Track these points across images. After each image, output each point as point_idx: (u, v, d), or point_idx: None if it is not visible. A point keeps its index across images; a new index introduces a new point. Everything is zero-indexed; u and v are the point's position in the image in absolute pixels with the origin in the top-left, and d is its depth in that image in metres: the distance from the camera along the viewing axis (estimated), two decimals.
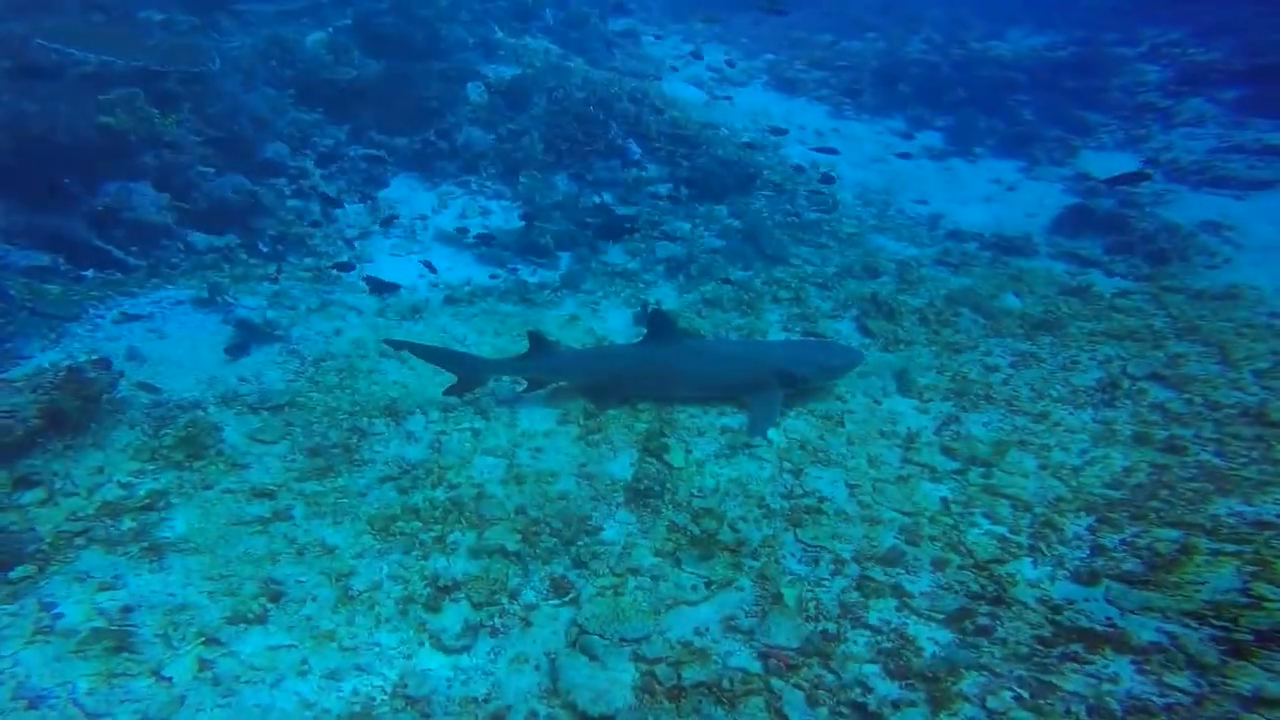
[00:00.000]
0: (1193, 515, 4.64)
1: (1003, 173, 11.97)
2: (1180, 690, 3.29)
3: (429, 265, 7.85)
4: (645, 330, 6.02)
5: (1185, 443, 5.62)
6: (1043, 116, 13.37)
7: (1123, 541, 4.40)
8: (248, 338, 6.28)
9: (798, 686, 3.49)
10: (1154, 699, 3.26)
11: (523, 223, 8.98)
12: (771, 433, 5.58)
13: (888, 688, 3.44)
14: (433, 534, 4.56)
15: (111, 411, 5.27)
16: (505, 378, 6.05)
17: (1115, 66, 14.76)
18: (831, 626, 3.86)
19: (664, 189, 10.02)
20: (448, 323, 7.08)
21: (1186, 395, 6.39)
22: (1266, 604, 3.73)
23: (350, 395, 5.84)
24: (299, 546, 4.42)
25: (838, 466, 5.27)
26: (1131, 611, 3.82)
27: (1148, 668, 3.43)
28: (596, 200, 9.60)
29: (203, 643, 3.77)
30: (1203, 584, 3.94)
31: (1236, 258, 9.55)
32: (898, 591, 4.07)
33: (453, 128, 10.51)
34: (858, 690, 3.41)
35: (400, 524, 4.61)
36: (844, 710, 3.33)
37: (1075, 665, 3.45)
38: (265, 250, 7.94)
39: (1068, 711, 3.21)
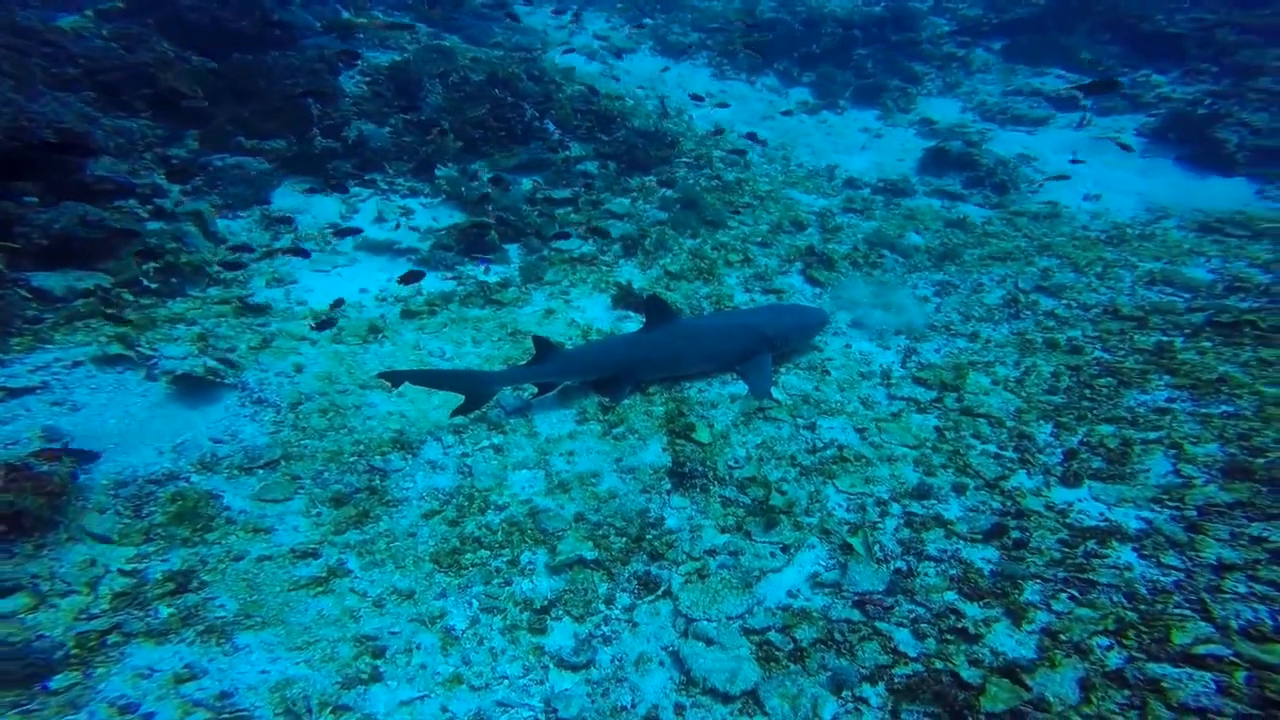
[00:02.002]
0: (1115, 410, 5.34)
1: (867, 122, 12.61)
2: (1175, 568, 3.84)
3: (413, 277, 6.59)
4: (644, 316, 5.87)
5: (1080, 343, 6.42)
6: (881, 68, 14.09)
7: (1081, 442, 4.99)
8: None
9: (900, 624, 3.71)
10: (1161, 578, 3.79)
11: (451, 220, 8.33)
12: (774, 391, 5.74)
13: (972, 609, 3.75)
14: (504, 559, 4.29)
15: (71, 500, 4.34)
16: (506, 388, 5.69)
17: (916, 21, 15.69)
18: (901, 564, 4.11)
19: (593, 166, 9.63)
20: (417, 338, 6.45)
21: (1065, 301, 7.26)
22: (1194, 484, 4.39)
23: (347, 435, 5.21)
24: (373, 599, 4.01)
25: (841, 414, 5.51)
26: (1114, 505, 4.38)
27: (1145, 552, 3.96)
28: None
29: (331, 712, 3.39)
30: (1147, 471, 4.58)
31: (1048, 183, 10.76)
32: (940, 521, 4.38)
33: (340, 123, 9.38)
34: (952, 618, 3.68)
35: (467, 555, 4.30)
36: (950, 637, 3.59)
37: (1097, 560, 3.92)
38: (155, 286, 6.48)
39: (1112, 602, 3.66)
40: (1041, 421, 5.26)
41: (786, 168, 10.64)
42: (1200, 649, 3.19)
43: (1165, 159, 11.59)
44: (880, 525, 4.41)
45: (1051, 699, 3.06)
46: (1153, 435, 4.87)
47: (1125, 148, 10.61)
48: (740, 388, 5.82)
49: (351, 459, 4.96)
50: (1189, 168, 11.27)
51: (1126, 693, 3.05)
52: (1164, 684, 3.04)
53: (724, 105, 10.86)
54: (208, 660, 3.60)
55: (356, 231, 7.78)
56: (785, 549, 4.27)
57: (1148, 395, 5.39)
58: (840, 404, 5.64)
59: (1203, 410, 5.10)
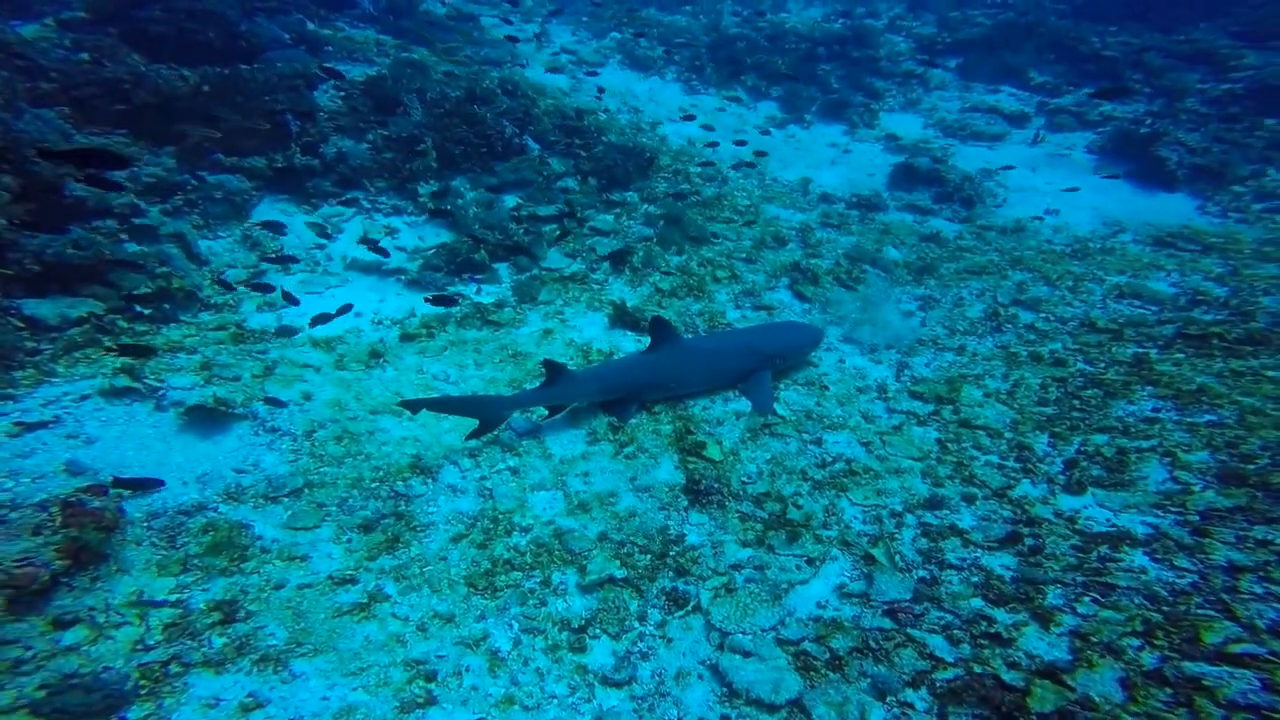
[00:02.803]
0: (1106, 420, 5.68)
1: (834, 137, 13.02)
2: (1187, 570, 4.10)
3: (445, 301, 6.57)
4: (649, 337, 5.96)
5: (1062, 355, 6.79)
6: (844, 84, 14.59)
7: (1078, 451, 5.29)
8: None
9: (932, 631, 3.88)
10: (1177, 580, 4.05)
11: (438, 239, 8.28)
12: (777, 408, 5.89)
13: (1000, 614, 3.94)
14: (536, 579, 4.34)
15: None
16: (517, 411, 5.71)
17: (875, 38, 16.34)
18: (924, 573, 4.30)
19: (573, 183, 9.69)
20: (419, 362, 6.41)
21: (1042, 314, 7.66)
22: (1192, 490, 4.70)
23: (365, 461, 5.17)
24: (416, 623, 4.02)
25: (844, 429, 5.70)
26: (1119, 511, 4.65)
27: (1158, 555, 4.23)
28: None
29: None
30: (1145, 478, 4.89)
31: (1009, 198, 11.34)
32: (955, 530, 4.59)
33: (319, 140, 9.25)
34: (983, 623, 3.87)
35: (499, 577, 4.33)
36: (983, 641, 3.77)
37: (1113, 564, 4.17)
38: (149, 313, 6.32)
39: (1134, 604, 3.88)
40: (1037, 432, 5.55)
41: (762, 182, 10.91)
42: (1235, 648, 3.42)
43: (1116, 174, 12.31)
44: (898, 536, 4.59)
45: (1097, 698, 3.25)
46: (1146, 444, 5.19)
47: (1112, 176, 11.12)
48: (743, 404, 5.96)
49: (373, 485, 4.94)
50: (1137, 184, 12.01)
51: (1169, 691, 3.26)
52: (1205, 682, 3.25)
53: (709, 128, 11.09)
54: (269, 689, 3.61)
55: (343, 252, 7.67)
56: (810, 561, 4.41)
57: (1134, 405, 5.74)
58: (842, 418, 5.84)
59: (1188, 419, 5.46)
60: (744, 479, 5.16)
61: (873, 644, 3.83)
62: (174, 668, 3.62)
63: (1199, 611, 3.69)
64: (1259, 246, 9.74)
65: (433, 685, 3.67)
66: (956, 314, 7.58)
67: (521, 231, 8.66)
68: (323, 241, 8.28)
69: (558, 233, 8.65)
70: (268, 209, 8.46)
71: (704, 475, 5.09)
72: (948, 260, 8.87)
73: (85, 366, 5.59)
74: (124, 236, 6.64)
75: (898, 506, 4.85)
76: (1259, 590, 3.78)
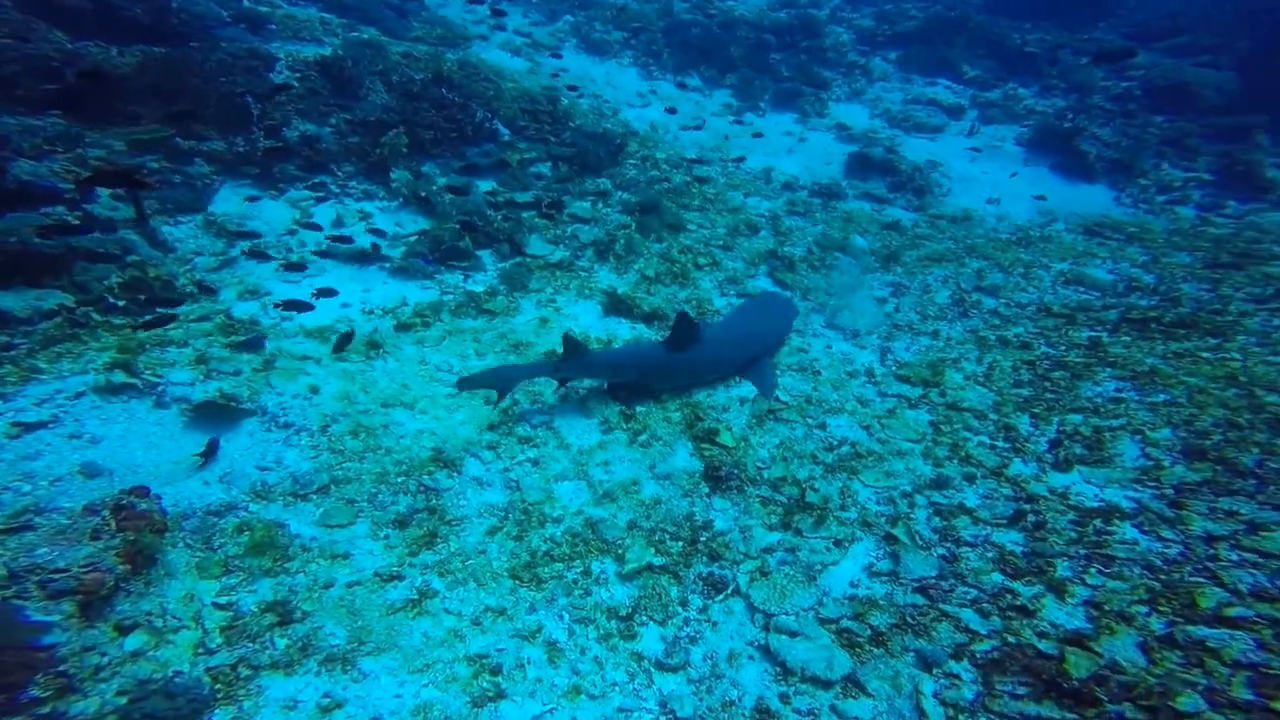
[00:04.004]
0: (1076, 400, 6.14)
1: (789, 126, 13.26)
2: (1172, 540, 4.51)
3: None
4: (669, 330, 5.89)
5: (1026, 339, 7.27)
6: (794, 73, 14.84)
7: (1059, 431, 5.70)
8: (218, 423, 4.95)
9: (962, 605, 4.14)
10: (1166, 551, 4.44)
11: (415, 225, 7.98)
12: (779, 393, 6.06)
13: (1020, 587, 4.24)
14: (577, 569, 4.35)
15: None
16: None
17: (820, 28, 16.67)
18: (943, 550, 4.57)
19: (545, 168, 9.48)
20: (420, 352, 6.20)
21: (1002, 300, 8.16)
22: (1164, 466, 5.17)
23: (386, 456, 5.01)
24: (469, 617, 3.99)
25: (843, 413, 5.94)
26: (1104, 486, 5.06)
27: (1145, 528, 4.64)
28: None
29: None
30: (1121, 455, 5.34)
31: (954, 188, 11.93)
32: (964, 509, 4.89)
33: (281, 123, 8.68)
34: (1007, 596, 4.15)
35: (541, 569, 4.32)
36: (1011, 614, 4.05)
37: (1108, 536, 4.55)
38: (122, 304, 5.92)
39: (1135, 573, 4.24)
40: (1019, 413, 5.94)
41: (726, 169, 11.01)
42: (1230, 611, 3.83)
43: (1043, 166, 13.15)
44: (913, 516, 4.85)
45: (1124, 662, 3.57)
46: (1116, 423, 5.66)
47: (1041, 195, 11.69)
48: (744, 389, 6.09)
49: (399, 480, 4.82)
50: (1062, 175, 12.87)
51: (1180, 653, 3.62)
52: (1209, 644, 3.63)
53: (697, 128, 11.04)
54: (342, 689, 3.54)
55: (321, 238, 7.28)
56: (838, 543, 4.60)
57: (1099, 387, 6.23)
58: (840, 403, 6.07)
59: (1149, 399, 5.98)
60: (759, 464, 5.30)
61: (909, 619, 4.05)
62: (243, 670, 3.51)
63: (1191, 579, 4.09)
64: (1168, 236, 10.66)
65: (499, 679, 3.66)
66: (926, 300, 7.97)
67: (500, 218, 8.44)
68: (295, 228, 7.82)
69: (539, 218, 8.48)
70: (230, 195, 7.89)
71: (722, 461, 5.19)
72: (909, 248, 9.28)
73: (70, 362, 5.16)
74: (77, 223, 6.04)
75: (907, 487, 5.11)
76: (1234, 557, 4.23)
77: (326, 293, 6.31)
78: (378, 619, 3.89)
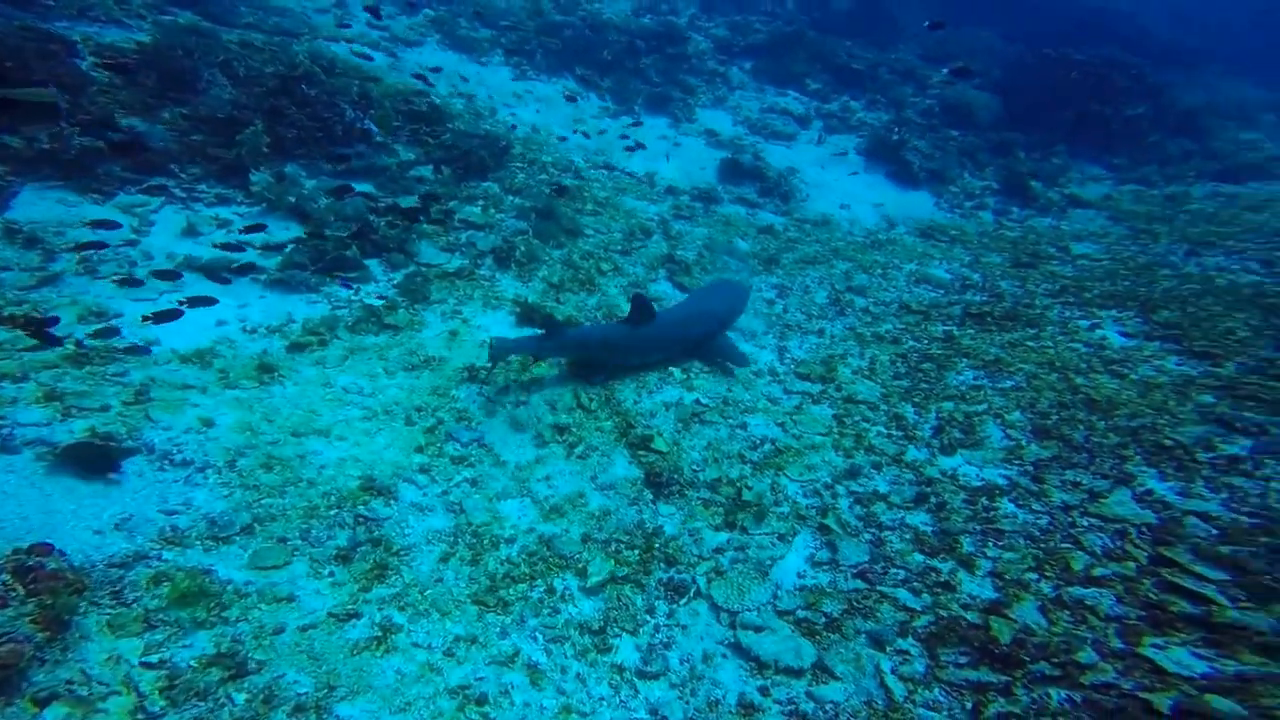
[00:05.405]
0: (946, 389, 6.98)
1: (662, 130, 13.59)
2: (1041, 511, 5.20)
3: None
4: (629, 310, 6.27)
5: (895, 334, 8.14)
6: (663, 79, 15.25)
7: (938, 418, 6.46)
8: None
9: (896, 585, 4.59)
10: (1039, 521, 5.13)
11: (287, 233, 7.21)
12: (689, 396, 6.29)
13: (941, 564, 4.76)
14: (540, 588, 4.28)
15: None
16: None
17: (683, 36, 17.28)
18: (869, 536, 5.02)
19: (426, 171, 8.92)
20: (324, 374, 5.64)
21: (870, 299, 9.04)
22: (1023, 445, 6.04)
23: (312, 488, 4.55)
24: (441, 649, 3.80)
25: (757, 411, 6.29)
26: (983, 467, 5.81)
27: (1020, 502, 5.38)
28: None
29: None
30: (989, 437, 6.17)
31: (810, 193, 12.97)
32: (878, 496, 5.40)
33: (102, 118, 7.41)
34: (931, 576, 4.66)
35: (504, 591, 4.20)
36: (938, 590, 4.55)
37: (994, 512, 5.24)
38: None
39: (1023, 544, 4.92)
40: (903, 402, 6.64)
41: (611, 174, 11.10)
42: (1096, 571, 4.58)
43: (879, 174, 14.66)
44: (837, 505, 5.27)
45: (1033, 625, 4.17)
46: (979, 408, 6.52)
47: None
48: (669, 394, 6.26)
49: (331, 513, 4.44)
50: (895, 182, 14.45)
51: (1068, 613, 4.29)
52: (1087, 602, 4.34)
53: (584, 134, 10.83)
54: None
55: (171, 249, 6.32)
56: (781, 537, 4.90)
57: (961, 376, 7.13)
58: (753, 402, 6.42)
59: (999, 385, 6.95)
60: (694, 466, 5.48)
61: (855, 604, 4.43)
62: None
63: (1063, 545, 4.86)
64: (980, 238, 12.39)
65: (487, 708, 3.53)
66: (808, 300, 8.63)
67: (384, 224, 7.86)
68: (135, 238, 6.74)
69: (428, 224, 8.00)
70: (34, 199, 6.62)
71: (661, 468, 5.31)
72: (786, 251, 9.96)
73: None
74: None
75: (827, 479, 5.55)
76: (1085, 523, 5.09)
77: (201, 302, 5.54)
78: (343, 661, 3.59)
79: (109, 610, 3.49)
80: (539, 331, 6.18)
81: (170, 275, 5.97)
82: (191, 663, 3.37)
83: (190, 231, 7.00)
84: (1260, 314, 8.23)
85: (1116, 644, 4.07)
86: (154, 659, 3.34)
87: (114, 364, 5.15)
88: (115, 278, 6.08)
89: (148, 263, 6.51)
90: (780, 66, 17.68)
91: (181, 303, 5.66)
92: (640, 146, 11.45)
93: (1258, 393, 6.51)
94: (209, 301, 5.76)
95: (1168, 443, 5.89)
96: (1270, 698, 3.59)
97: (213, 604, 3.66)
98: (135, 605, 3.55)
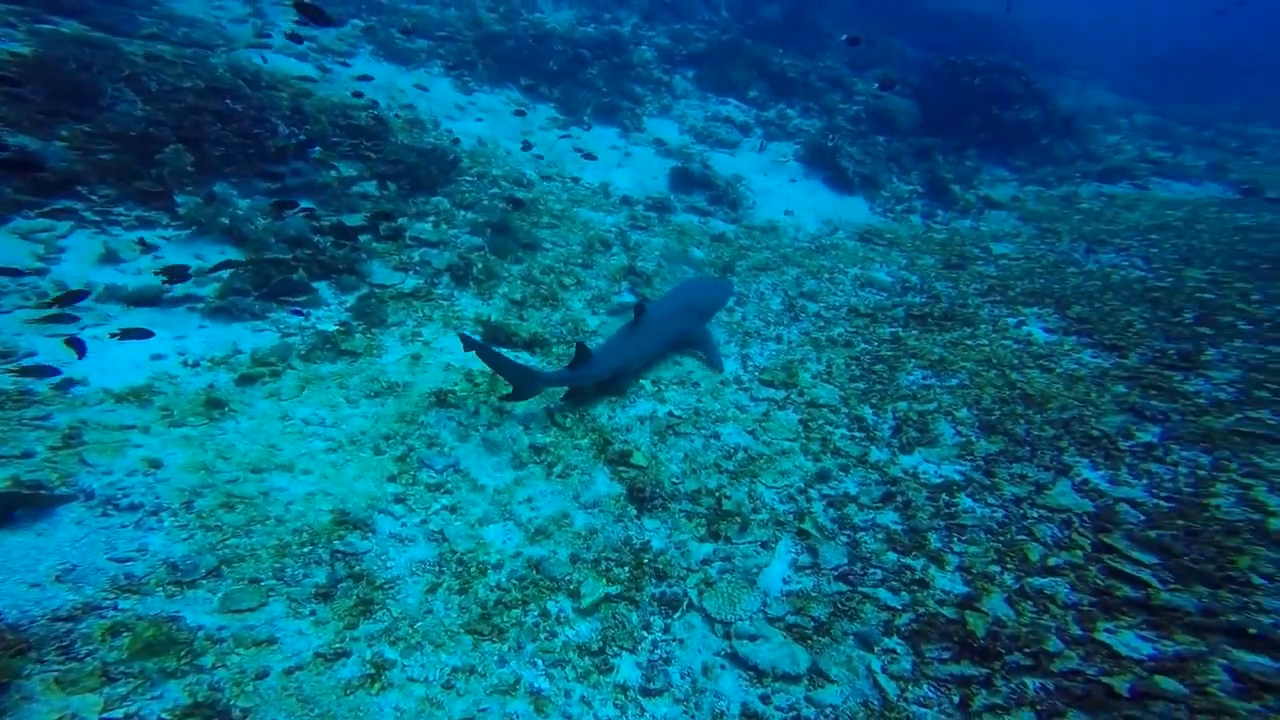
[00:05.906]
0: (899, 390, 7.24)
1: (612, 139, 13.60)
2: (996, 505, 5.42)
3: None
4: (634, 315, 6.53)
5: (847, 338, 8.40)
6: (611, 88, 15.27)
7: (895, 418, 6.69)
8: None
9: (877, 586, 4.73)
10: (995, 515, 5.36)
11: (222, 257, 6.84)
12: (662, 409, 6.31)
13: (914, 562, 4.93)
14: (534, 613, 4.20)
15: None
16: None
17: (627, 45, 17.38)
18: (844, 538, 5.15)
19: (370, 187, 8.62)
20: (281, 408, 5.35)
21: (821, 304, 9.30)
22: (973, 441, 6.32)
23: (280, 526, 4.31)
24: (439, 682, 3.67)
25: (728, 420, 6.37)
26: (940, 464, 6.05)
27: (976, 496, 5.62)
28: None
29: None
30: (942, 434, 6.43)
31: (757, 200, 13.27)
32: (848, 498, 5.55)
33: None
34: (906, 574, 4.81)
35: (498, 618, 4.10)
36: (914, 587, 4.70)
37: (955, 508, 5.47)
38: None
39: (984, 538, 5.15)
40: (861, 404, 6.86)
41: (565, 185, 11.03)
42: (1051, 560, 4.84)
43: (817, 179, 15.12)
44: (812, 510, 5.39)
45: (1003, 617, 4.36)
46: (931, 406, 6.80)
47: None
48: (643, 408, 6.25)
49: (305, 550, 4.23)
50: (833, 188, 14.93)
51: (1031, 603, 4.51)
52: (1046, 591, 4.57)
53: (530, 148, 10.67)
54: None
55: (93, 278, 5.88)
56: (764, 545, 4.97)
57: (911, 376, 7.41)
58: (722, 411, 6.50)
59: (946, 384, 7.25)
60: (673, 479, 5.50)
61: (840, 606, 4.53)
62: None
63: (1019, 537, 5.12)
64: (913, 241, 12.94)
65: None
66: (764, 307, 8.80)
67: (329, 243, 7.56)
68: (46, 268, 6.24)
69: (376, 242, 7.74)
70: None
71: (642, 482, 5.30)
72: (739, 258, 10.14)
73: None
74: None
75: (800, 484, 5.66)
76: (1035, 514, 5.38)
77: (134, 334, 5.21)
78: (337, 702, 3.43)
79: (59, 666, 3.22)
80: (530, 356, 6.30)
81: (69, 317, 5.51)
82: (163, 715, 3.14)
83: (110, 258, 6.53)
84: (1149, 307, 8.93)
85: (1076, 630, 4.32)
86: (118, 714, 3.10)
87: (34, 405, 4.74)
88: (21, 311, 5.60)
89: (60, 293, 6.02)
90: (721, 75, 18.00)
91: (113, 334, 5.31)
92: (591, 157, 11.42)
93: (1158, 381, 7.06)
94: (143, 334, 5.42)
95: (1095, 433, 6.30)
96: (1203, 674, 3.89)
97: (183, 652, 3.43)
98: (90, 659, 3.29)
